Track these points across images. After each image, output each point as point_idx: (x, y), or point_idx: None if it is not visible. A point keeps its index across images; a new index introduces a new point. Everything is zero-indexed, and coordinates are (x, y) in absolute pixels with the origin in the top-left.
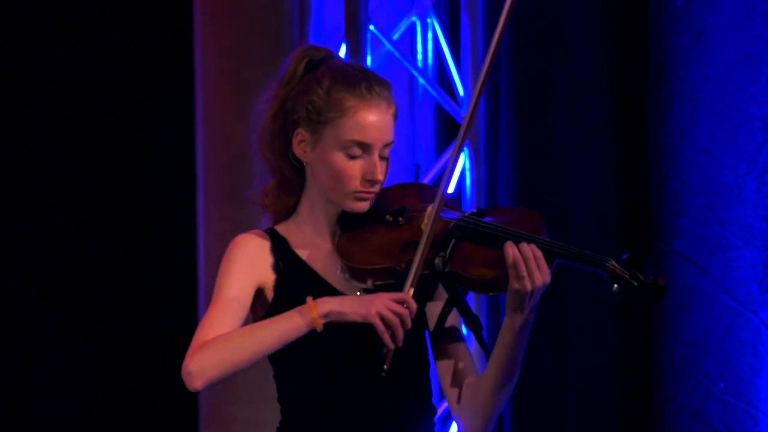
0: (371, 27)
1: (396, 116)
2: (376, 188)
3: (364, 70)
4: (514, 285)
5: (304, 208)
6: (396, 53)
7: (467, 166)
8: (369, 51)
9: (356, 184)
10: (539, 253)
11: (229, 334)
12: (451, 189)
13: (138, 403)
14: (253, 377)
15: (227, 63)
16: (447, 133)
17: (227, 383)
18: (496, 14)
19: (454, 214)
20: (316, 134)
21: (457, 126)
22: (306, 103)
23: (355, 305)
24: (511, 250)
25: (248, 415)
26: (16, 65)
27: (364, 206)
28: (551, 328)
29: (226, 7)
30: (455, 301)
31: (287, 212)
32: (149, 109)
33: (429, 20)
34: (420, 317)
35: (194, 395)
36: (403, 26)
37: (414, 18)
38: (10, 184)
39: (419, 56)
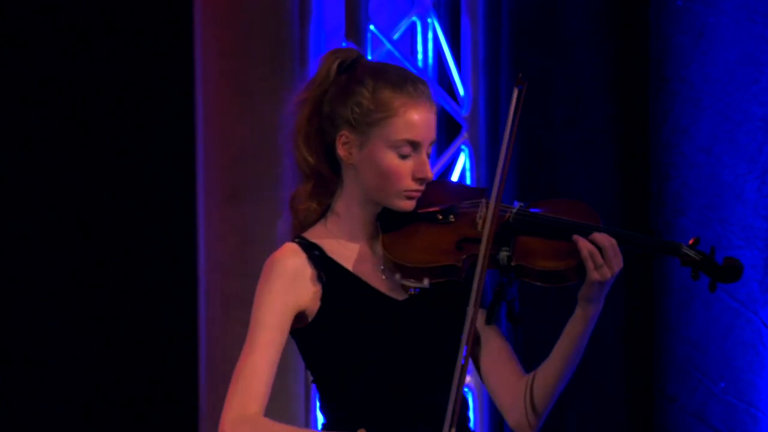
0: (372, 27)
1: (436, 114)
2: (423, 186)
3: (402, 68)
4: (594, 275)
5: (340, 208)
6: (396, 53)
7: (467, 165)
8: (369, 51)
9: (407, 182)
10: (614, 240)
11: (266, 428)
12: None
13: (138, 404)
14: None
15: (227, 64)
16: (447, 133)
17: (227, 384)
18: (497, 14)
19: (508, 210)
20: (363, 135)
21: (458, 125)
22: (350, 104)
23: None
24: (583, 243)
25: None
26: (17, 65)
27: (411, 205)
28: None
29: (227, 8)
30: (504, 295)
31: (317, 216)
32: (149, 109)
33: (429, 20)
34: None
35: (194, 395)
36: (403, 26)
37: (414, 18)
38: (10, 184)
39: (419, 56)
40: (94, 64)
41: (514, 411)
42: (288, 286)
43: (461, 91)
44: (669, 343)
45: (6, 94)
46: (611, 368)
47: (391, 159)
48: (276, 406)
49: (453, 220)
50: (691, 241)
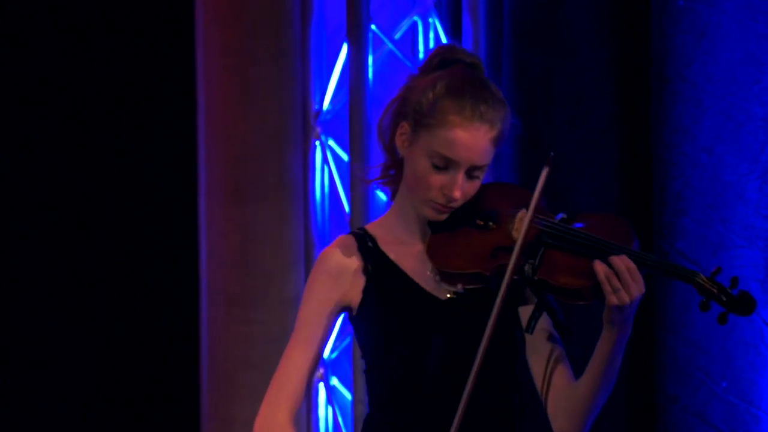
0: (373, 27)
1: (498, 140)
2: (454, 204)
3: (483, 88)
4: (612, 299)
5: (398, 202)
6: (398, 53)
7: None
8: (371, 51)
9: (434, 194)
10: (632, 265)
11: None
12: None
13: (140, 404)
14: (255, 377)
15: (229, 63)
16: None
17: (229, 383)
18: (498, 14)
19: (543, 221)
20: (415, 134)
21: None
22: (417, 100)
23: None
24: (600, 266)
25: (250, 414)
26: (18, 65)
27: (437, 216)
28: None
29: (228, 7)
30: (544, 306)
31: (392, 196)
32: (151, 108)
33: (431, 20)
34: (514, 320)
35: (196, 395)
36: (404, 26)
37: (416, 17)
38: (11, 184)
39: (421, 56)
40: (96, 63)
41: (557, 418)
42: (331, 283)
43: None
44: (671, 343)
45: (7, 94)
46: None
47: (424, 166)
48: None
49: (493, 227)
50: (713, 271)
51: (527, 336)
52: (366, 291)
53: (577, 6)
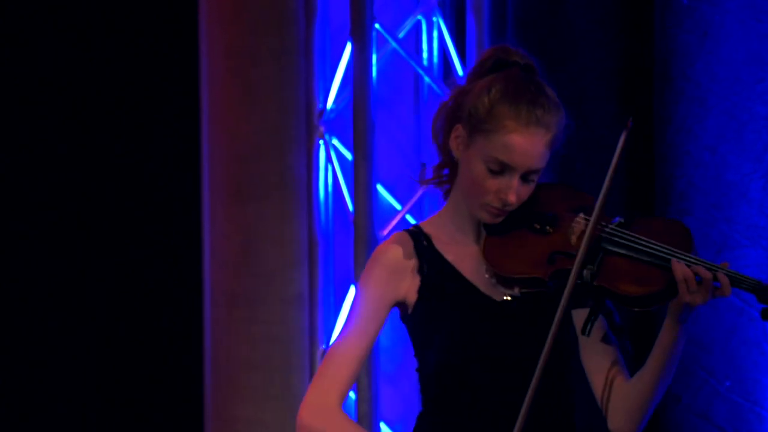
0: (377, 26)
1: (553, 143)
2: (508, 208)
3: (539, 92)
4: (685, 298)
5: (452, 202)
6: (401, 52)
7: None
8: (375, 50)
9: (489, 198)
10: (709, 275)
11: (342, 428)
12: None
13: (143, 404)
14: (257, 377)
15: (233, 62)
16: None
17: (232, 383)
18: (502, 13)
19: (602, 226)
20: (470, 137)
21: None
22: (471, 104)
23: None
24: (679, 266)
25: (253, 414)
26: (20, 65)
27: (492, 220)
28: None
29: (232, 6)
30: (601, 309)
31: (445, 196)
32: (154, 108)
33: (434, 19)
34: (568, 322)
35: (199, 395)
36: (408, 25)
37: (419, 17)
38: (13, 184)
39: (425, 55)
40: (99, 63)
41: (613, 415)
42: (388, 278)
43: None
44: None
45: (9, 93)
46: None
47: (480, 170)
48: (281, 405)
49: (550, 231)
50: None
51: (582, 338)
52: (421, 290)
53: (579, 6)
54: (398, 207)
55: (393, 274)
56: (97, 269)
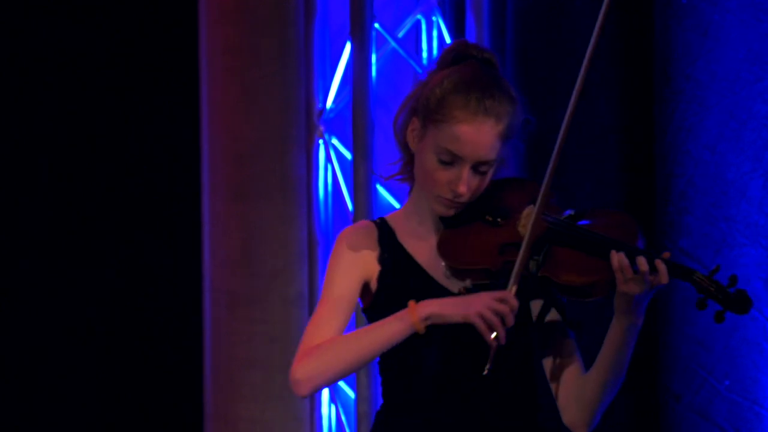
0: (376, 25)
1: (505, 135)
2: (461, 199)
3: (491, 83)
4: (622, 287)
5: (413, 196)
6: (401, 51)
7: None
8: (374, 49)
9: (441, 189)
10: (645, 264)
11: (332, 341)
12: None
13: (143, 402)
14: (257, 376)
15: (232, 61)
16: None
17: (232, 382)
18: (501, 13)
19: (551, 218)
20: (423, 129)
21: None
22: (427, 96)
23: (454, 306)
24: (616, 256)
25: (253, 413)
26: (19, 64)
27: (445, 212)
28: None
29: (232, 6)
30: (551, 301)
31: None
32: (155, 107)
33: (434, 18)
34: (523, 314)
35: (199, 394)
36: (408, 24)
37: (419, 16)
38: (13, 184)
39: (424, 54)
40: (99, 62)
41: (567, 408)
42: (356, 258)
43: None
44: (674, 341)
45: (9, 93)
46: None
47: (431, 162)
48: (281, 405)
49: (501, 223)
50: (712, 269)
51: (537, 330)
52: (380, 279)
53: (579, 4)
54: (397, 206)
55: (360, 254)
56: (96, 269)
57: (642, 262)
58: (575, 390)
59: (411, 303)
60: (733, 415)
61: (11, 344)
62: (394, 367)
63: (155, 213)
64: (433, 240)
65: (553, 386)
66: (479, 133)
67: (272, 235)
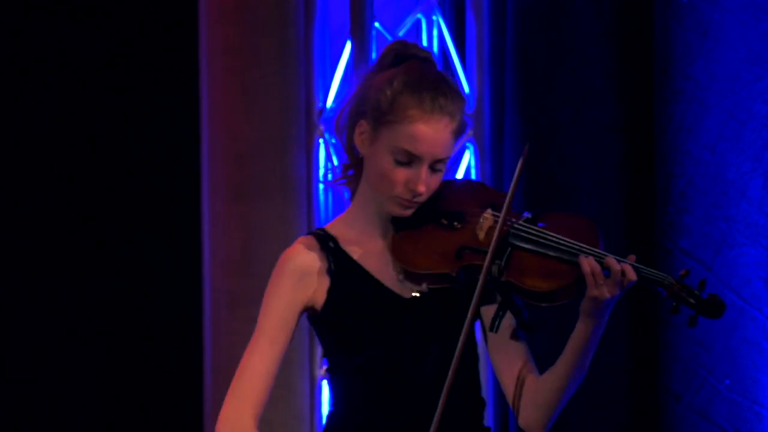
0: (376, 24)
1: (457, 132)
2: (419, 199)
3: (440, 81)
4: (593, 292)
5: (359, 199)
6: None
7: (472, 162)
8: (374, 48)
9: (399, 190)
10: (617, 267)
11: None
12: None
13: (143, 403)
14: None
15: (232, 61)
16: None
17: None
18: (501, 12)
19: (510, 221)
20: (375, 131)
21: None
22: (374, 98)
23: None
24: (586, 261)
25: None
26: (18, 63)
27: (403, 213)
28: (559, 327)
29: (232, 6)
30: (508, 305)
31: (352, 195)
32: (154, 107)
33: (434, 17)
34: (477, 317)
35: (199, 394)
36: (408, 24)
37: (419, 15)
38: (13, 184)
39: None
40: (99, 61)
41: (522, 411)
42: (296, 284)
43: (466, 88)
44: (674, 341)
45: (8, 92)
46: (616, 366)
47: (387, 163)
48: (281, 405)
49: (458, 226)
50: (681, 273)
51: (491, 334)
52: (330, 291)
53: (580, 4)
54: None
55: (300, 279)
56: (96, 269)
57: (614, 265)
58: (532, 392)
59: None
60: (733, 414)
61: (11, 344)
62: (342, 369)
63: (155, 213)
64: (380, 245)
65: (507, 388)
66: (436, 132)
67: (272, 235)
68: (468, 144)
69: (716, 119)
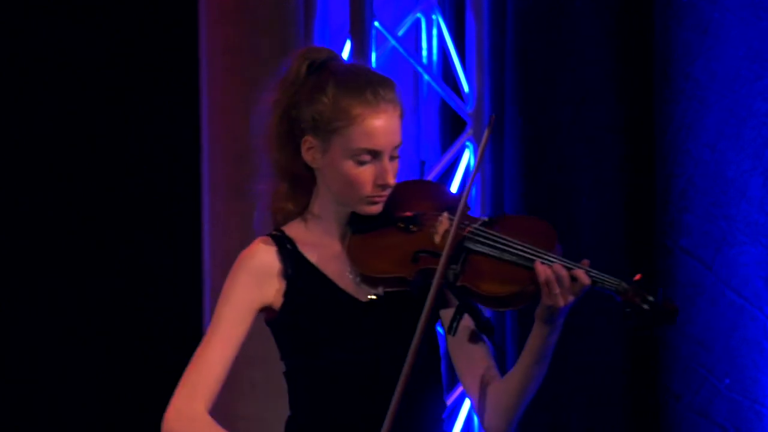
0: (376, 24)
1: (402, 116)
2: (388, 191)
3: (368, 72)
4: (547, 301)
5: (316, 207)
6: (401, 50)
7: (471, 162)
8: (374, 48)
9: (368, 189)
10: (565, 272)
11: (207, 428)
12: (455, 186)
13: (143, 403)
14: (258, 374)
15: (232, 60)
16: (452, 130)
17: (232, 381)
18: (501, 11)
19: (466, 225)
20: (325, 142)
21: (462, 122)
22: (312, 111)
23: None
24: (542, 269)
25: (253, 412)
26: (18, 63)
27: (377, 209)
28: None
29: (232, 5)
30: (466, 307)
31: (299, 213)
32: (155, 105)
33: (434, 17)
34: (432, 318)
35: None
36: (408, 23)
37: (419, 14)
38: (13, 183)
39: (424, 53)
40: (99, 61)
41: (485, 413)
42: (253, 283)
43: (466, 87)
44: (674, 340)
45: (8, 92)
46: (615, 366)
47: (350, 167)
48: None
49: (414, 230)
50: (636, 278)
51: (451, 338)
52: (287, 294)
53: (580, 4)
54: None
55: (259, 279)
56: (96, 269)
57: (563, 272)
58: (493, 397)
59: None
60: (733, 414)
61: (11, 344)
62: (299, 372)
63: (155, 213)
64: (338, 249)
65: (469, 391)
66: (387, 121)
67: None
68: (468, 144)
69: (716, 118)
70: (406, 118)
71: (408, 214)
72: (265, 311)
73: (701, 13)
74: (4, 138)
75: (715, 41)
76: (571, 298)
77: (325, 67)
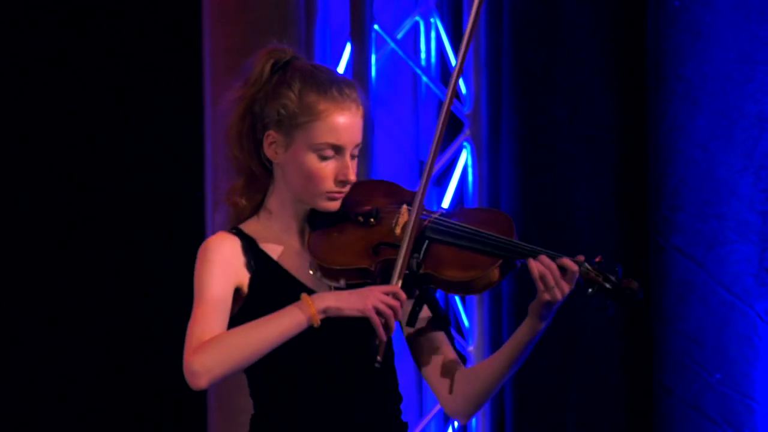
0: (376, 26)
1: (364, 117)
2: (348, 188)
3: (332, 71)
4: (545, 296)
5: (272, 205)
6: (400, 52)
7: (469, 162)
8: (374, 50)
9: (329, 185)
10: (554, 264)
11: (230, 333)
12: (453, 185)
13: (143, 403)
14: None
15: (235, 61)
16: (449, 130)
17: (235, 376)
18: (498, 14)
19: (426, 216)
20: (288, 137)
21: (460, 123)
22: (277, 106)
23: (351, 300)
24: (535, 264)
25: None
26: (19, 63)
27: (335, 205)
28: (554, 323)
29: (234, 6)
30: (425, 299)
31: (254, 210)
32: (157, 106)
33: (432, 20)
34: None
35: (201, 394)
36: (407, 26)
37: (418, 18)
38: (14, 183)
39: (423, 55)
40: (100, 61)
41: (452, 402)
42: (226, 263)
43: (463, 89)
44: (666, 336)
45: (8, 92)
46: (609, 361)
47: (312, 161)
48: None
49: (374, 223)
50: (597, 259)
51: (409, 329)
52: (251, 288)
53: (575, 5)
54: None
55: (230, 261)
56: (96, 269)
57: (552, 265)
58: (461, 385)
59: (304, 296)
60: (724, 407)
61: (11, 344)
62: (260, 367)
63: (156, 213)
64: (297, 244)
65: (431, 381)
66: (351, 118)
67: None
68: (465, 144)
69: (708, 119)
70: (405, 119)
71: (367, 209)
72: (236, 295)
73: (694, 15)
74: (4, 138)
75: (707, 44)
76: (567, 290)
77: (289, 66)
